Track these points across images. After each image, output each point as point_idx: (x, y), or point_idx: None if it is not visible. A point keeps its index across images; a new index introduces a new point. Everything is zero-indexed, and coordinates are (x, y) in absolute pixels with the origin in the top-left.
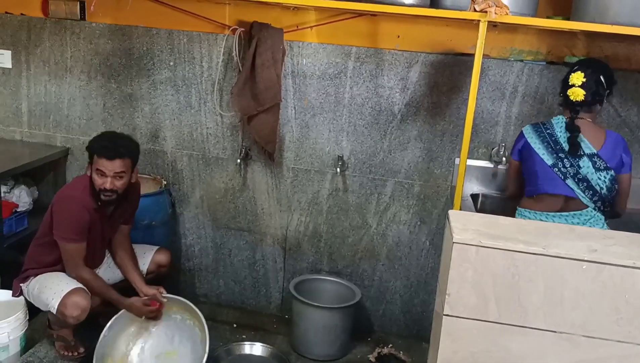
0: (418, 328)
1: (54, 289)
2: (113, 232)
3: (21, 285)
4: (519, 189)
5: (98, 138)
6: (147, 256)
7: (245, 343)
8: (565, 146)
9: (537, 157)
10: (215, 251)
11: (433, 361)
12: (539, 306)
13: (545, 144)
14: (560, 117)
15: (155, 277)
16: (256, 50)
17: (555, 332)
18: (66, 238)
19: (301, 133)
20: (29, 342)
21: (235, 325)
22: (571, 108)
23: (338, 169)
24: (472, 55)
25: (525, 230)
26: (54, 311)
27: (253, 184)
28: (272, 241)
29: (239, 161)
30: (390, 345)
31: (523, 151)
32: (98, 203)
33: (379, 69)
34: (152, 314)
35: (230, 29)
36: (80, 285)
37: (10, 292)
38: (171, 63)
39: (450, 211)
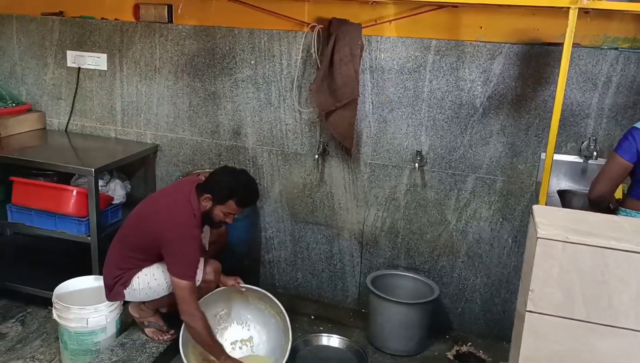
0: (499, 328)
1: None
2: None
3: (125, 289)
4: (613, 191)
5: (243, 190)
6: (207, 230)
7: (323, 334)
8: None
9: None
10: (293, 245)
11: (515, 359)
12: (631, 306)
13: None
14: None
15: (217, 247)
16: (334, 46)
17: None
18: (186, 276)
19: (379, 128)
20: (123, 325)
21: (312, 317)
22: None
23: (416, 165)
24: (561, 44)
25: (617, 227)
26: (198, 283)
27: (330, 179)
28: (349, 235)
29: (316, 156)
30: (470, 343)
31: None
32: (202, 228)
33: (460, 62)
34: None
35: (309, 26)
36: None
37: None
38: (252, 61)
39: (534, 206)
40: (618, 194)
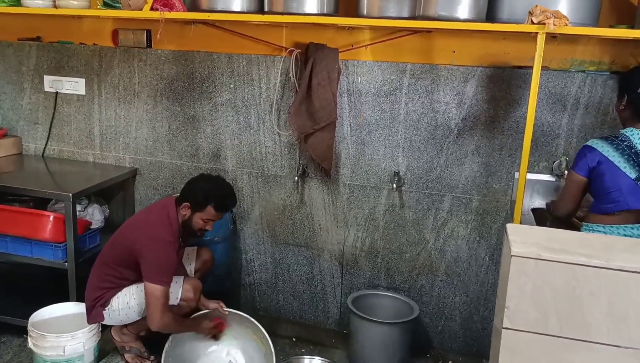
0: (478, 345)
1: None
2: (182, 255)
3: (104, 310)
4: (577, 208)
5: (220, 194)
6: (192, 257)
7: (305, 357)
8: None
9: (619, 172)
10: (274, 267)
11: None
12: (602, 321)
13: (626, 157)
14: (635, 130)
15: (203, 274)
16: (312, 70)
17: (620, 346)
18: (160, 281)
19: (357, 150)
20: (101, 352)
21: (294, 339)
22: None
23: (394, 185)
24: (531, 67)
25: (587, 244)
26: (177, 302)
27: (310, 200)
28: (330, 256)
29: (296, 178)
30: (450, 361)
31: (597, 168)
32: (180, 237)
33: (435, 85)
34: (215, 331)
35: (287, 50)
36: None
37: (84, 304)
38: (231, 85)
39: (508, 225)
40: None
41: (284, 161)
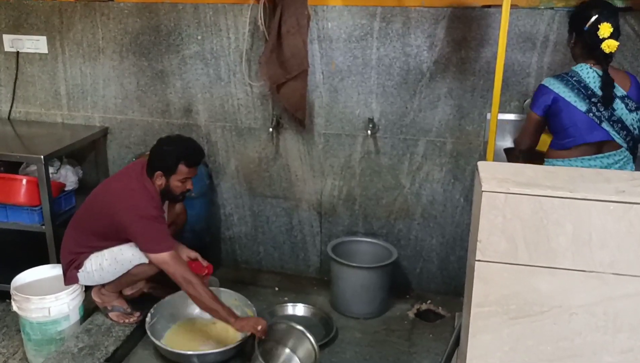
0: (455, 284)
1: (134, 244)
2: None
3: (78, 272)
4: (535, 144)
5: (186, 150)
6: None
7: (288, 304)
8: (598, 92)
9: (572, 108)
10: (253, 219)
11: (467, 306)
12: (567, 247)
13: (576, 92)
14: (584, 65)
15: (177, 227)
16: (281, 17)
17: (584, 271)
18: (162, 249)
19: (330, 98)
20: (86, 311)
21: (277, 289)
22: (602, 59)
23: (369, 132)
24: (500, 6)
25: (553, 176)
26: (148, 260)
27: (286, 152)
28: (308, 206)
29: (270, 129)
30: (429, 301)
31: (553, 106)
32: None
33: (406, 28)
34: (259, 333)
35: None
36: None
37: None
38: (199, 37)
39: (479, 162)
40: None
41: (257, 113)
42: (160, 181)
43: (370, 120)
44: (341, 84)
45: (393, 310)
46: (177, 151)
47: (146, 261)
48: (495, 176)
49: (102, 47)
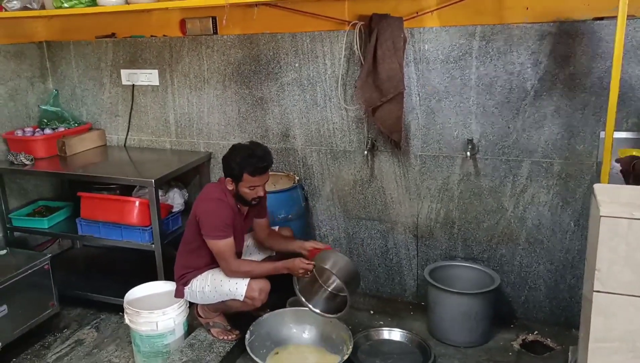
0: (566, 315)
1: (232, 280)
2: (248, 227)
3: (185, 288)
4: None
5: (248, 160)
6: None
7: (384, 328)
8: None
9: None
10: (348, 241)
11: (584, 341)
12: None
13: None
14: None
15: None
16: (377, 41)
17: None
18: (217, 236)
19: (427, 119)
20: (190, 327)
21: (371, 312)
22: None
23: (468, 153)
24: (613, 18)
25: None
26: (242, 298)
27: (381, 174)
28: (404, 229)
29: (365, 152)
30: (536, 331)
31: None
32: (238, 206)
33: (507, 45)
34: (305, 269)
35: (350, 24)
36: None
37: (173, 282)
38: (296, 64)
39: (595, 185)
40: None
41: (352, 136)
42: (231, 186)
43: (470, 141)
44: (438, 105)
45: (496, 340)
46: (239, 159)
47: (241, 298)
48: (615, 200)
49: (207, 77)
